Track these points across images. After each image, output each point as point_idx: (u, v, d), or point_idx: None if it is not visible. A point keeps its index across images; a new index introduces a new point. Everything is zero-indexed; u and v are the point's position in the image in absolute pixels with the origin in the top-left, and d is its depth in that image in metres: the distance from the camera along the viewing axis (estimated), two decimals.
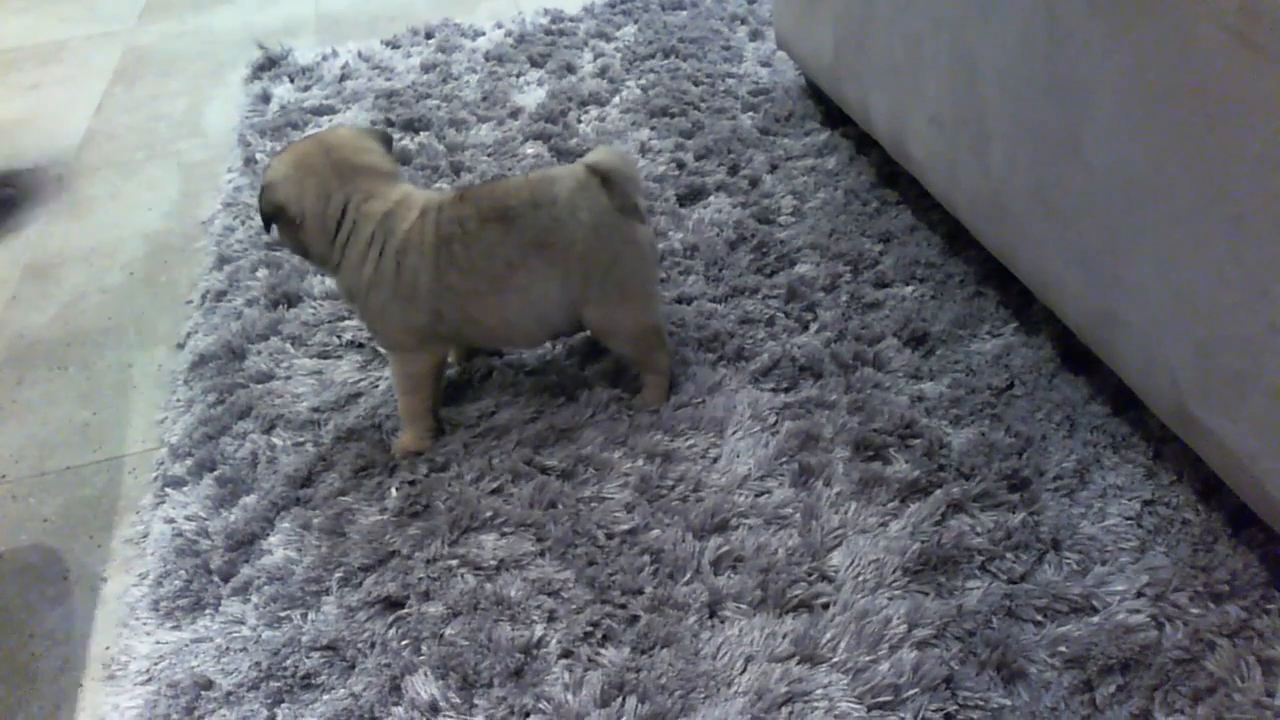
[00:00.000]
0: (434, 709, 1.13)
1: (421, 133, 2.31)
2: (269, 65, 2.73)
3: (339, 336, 1.72)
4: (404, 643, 1.21)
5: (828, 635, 1.15)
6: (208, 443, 1.53)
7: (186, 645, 1.25)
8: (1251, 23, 0.93)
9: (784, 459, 1.38)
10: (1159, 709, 1.06)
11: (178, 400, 1.64)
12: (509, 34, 2.76)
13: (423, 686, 1.15)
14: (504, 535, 1.32)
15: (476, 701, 1.14)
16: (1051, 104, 1.29)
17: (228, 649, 1.23)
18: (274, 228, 1.40)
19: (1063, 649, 1.12)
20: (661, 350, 1.49)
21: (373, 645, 1.21)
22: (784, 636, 1.16)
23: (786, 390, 1.51)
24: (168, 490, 1.46)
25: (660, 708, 1.10)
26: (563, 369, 1.59)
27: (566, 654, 1.18)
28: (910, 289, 1.69)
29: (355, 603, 1.26)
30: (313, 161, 1.39)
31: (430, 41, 2.78)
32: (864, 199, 1.92)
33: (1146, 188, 1.14)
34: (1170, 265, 1.14)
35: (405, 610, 1.24)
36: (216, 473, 1.47)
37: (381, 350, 1.66)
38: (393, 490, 1.41)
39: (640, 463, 1.39)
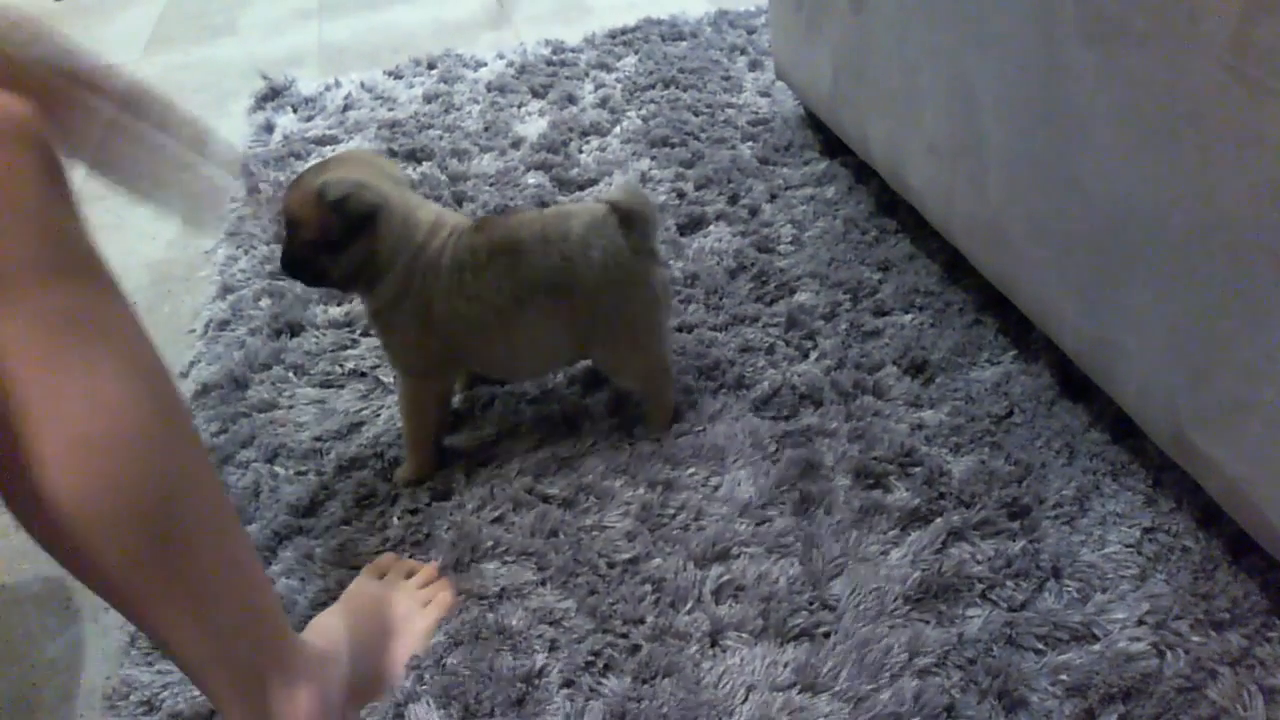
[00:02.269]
0: None
1: (424, 163, 2.33)
2: (272, 95, 2.75)
3: (341, 365, 1.72)
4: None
5: (829, 664, 1.15)
6: None
7: None
8: (1243, 57, 0.94)
9: (785, 487, 1.39)
10: None
11: None
12: (510, 65, 2.78)
13: (425, 716, 1.14)
14: (505, 564, 1.32)
15: None
16: (1049, 133, 1.30)
17: None
18: (296, 248, 1.34)
19: (1064, 677, 1.12)
20: (667, 385, 1.50)
21: None
22: (785, 665, 1.16)
23: (787, 418, 1.51)
24: None
25: None
26: (564, 398, 1.59)
27: (568, 683, 1.17)
28: (909, 317, 1.69)
29: None
30: (368, 169, 1.37)
31: (432, 72, 2.81)
32: (863, 228, 1.93)
33: (1143, 216, 1.15)
34: (1167, 293, 1.15)
35: None
36: None
37: (390, 376, 1.67)
38: (395, 519, 1.41)
39: (641, 491, 1.40)
